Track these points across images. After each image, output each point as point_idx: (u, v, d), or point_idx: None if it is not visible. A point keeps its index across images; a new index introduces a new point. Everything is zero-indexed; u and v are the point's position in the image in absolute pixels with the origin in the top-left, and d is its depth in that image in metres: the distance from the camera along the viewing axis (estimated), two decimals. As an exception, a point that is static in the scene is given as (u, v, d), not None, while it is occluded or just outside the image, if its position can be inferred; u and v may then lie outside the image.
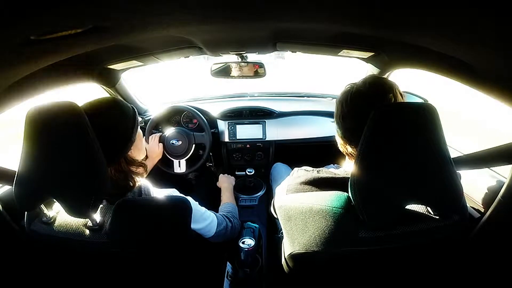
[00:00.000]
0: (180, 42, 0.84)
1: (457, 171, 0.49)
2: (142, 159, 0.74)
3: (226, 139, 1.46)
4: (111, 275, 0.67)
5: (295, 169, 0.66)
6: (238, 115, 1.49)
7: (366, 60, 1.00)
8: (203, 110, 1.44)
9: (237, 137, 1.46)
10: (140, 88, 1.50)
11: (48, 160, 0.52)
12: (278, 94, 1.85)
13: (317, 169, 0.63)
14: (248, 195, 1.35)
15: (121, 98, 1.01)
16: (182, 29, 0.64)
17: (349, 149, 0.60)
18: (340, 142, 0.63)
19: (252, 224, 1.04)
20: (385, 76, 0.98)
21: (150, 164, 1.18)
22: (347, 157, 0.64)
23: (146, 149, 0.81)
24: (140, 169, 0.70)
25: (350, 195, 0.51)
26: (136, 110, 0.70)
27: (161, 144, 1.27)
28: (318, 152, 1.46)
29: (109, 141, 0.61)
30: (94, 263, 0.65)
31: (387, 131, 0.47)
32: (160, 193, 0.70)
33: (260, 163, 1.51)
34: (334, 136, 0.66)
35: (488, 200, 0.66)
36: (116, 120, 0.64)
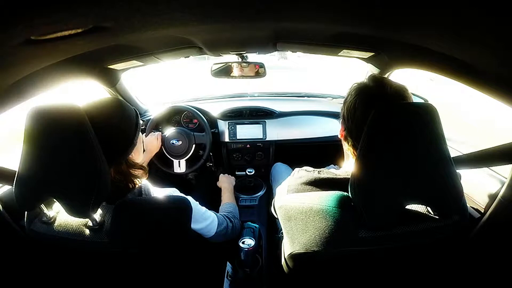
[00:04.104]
0: (180, 42, 0.84)
1: (457, 171, 0.49)
2: (142, 162, 0.74)
3: (226, 139, 1.46)
4: (112, 275, 0.67)
5: (296, 169, 0.66)
6: (238, 115, 1.49)
7: (366, 60, 1.00)
8: (203, 110, 1.44)
9: (237, 137, 1.46)
10: (140, 88, 1.50)
11: (48, 160, 0.52)
12: (278, 94, 1.85)
13: (318, 169, 0.63)
14: (248, 195, 1.35)
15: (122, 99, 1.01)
16: (182, 29, 0.64)
17: (352, 148, 0.60)
18: (342, 138, 0.63)
19: (252, 224, 1.04)
20: (385, 76, 0.98)
21: (148, 157, 1.18)
22: (348, 156, 0.64)
23: (143, 143, 0.80)
24: (140, 172, 0.70)
25: (350, 195, 0.51)
26: (138, 112, 0.70)
27: (159, 138, 1.26)
28: (318, 152, 1.46)
29: (111, 142, 0.61)
30: (94, 263, 0.65)
31: (387, 131, 0.47)
32: (160, 193, 0.70)
33: (260, 163, 1.51)
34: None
35: (488, 200, 0.66)
36: (119, 121, 0.64)
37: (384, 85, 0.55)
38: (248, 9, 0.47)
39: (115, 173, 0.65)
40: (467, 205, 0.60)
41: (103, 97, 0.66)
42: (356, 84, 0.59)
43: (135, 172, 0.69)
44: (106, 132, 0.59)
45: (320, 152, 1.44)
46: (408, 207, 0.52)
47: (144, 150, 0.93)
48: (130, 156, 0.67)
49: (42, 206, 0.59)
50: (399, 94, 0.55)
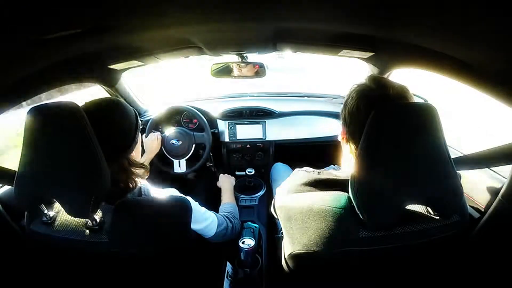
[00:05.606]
0: (180, 42, 0.84)
1: (457, 171, 0.49)
2: (143, 162, 0.74)
3: (226, 139, 1.46)
4: (111, 275, 0.67)
5: (296, 169, 0.65)
6: (238, 115, 1.49)
7: (366, 60, 1.00)
8: (203, 110, 1.44)
9: (237, 137, 1.46)
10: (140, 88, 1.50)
11: (48, 160, 0.52)
12: (278, 94, 1.85)
13: (318, 170, 0.63)
14: (248, 195, 1.35)
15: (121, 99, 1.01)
16: (182, 29, 0.64)
17: (353, 148, 0.59)
18: (343, 141, 0.62)
19: (252, 224, 1.03)
20: (385, 76, 0.98)
21: (148, 158, 1.18)
22: (348, 158, 0.64)
23: (143, 143, 0.80)
24: (141, 170, 0.70)
25: (350, 195, 0.51)
26: (137, 112, 0.70)
27: (159, 138, 1.26)
28: (318, 152, 1.46)
29: (113, 141, 0.61)
30: (94, 263, 0.65)
31: (387, 131, 0.47)
32: (160, 193, 0.70)
33: (260, 163, 1.51)
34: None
35: (488, 200, 0.66)
36: (120, 120, 0.64)
37: (386, 87, 0.54)
38: (248, 9, 0.47)
39: (117, 172, 0.65)
40: (467, 205, 0.60)
41: (102, 97, 0.66)
42: (356, 86, 0.57)
43: (137, 170, 0.69)
44: (107, 131, 0.59)
45: (320, 152, 1.44)
46: (408, 207, 0.52)
47: (144, 151, 0.93)
48: (131, 154, 0.67)
49: (42, 206, 0.59)
50: (401, 95, 0.54)
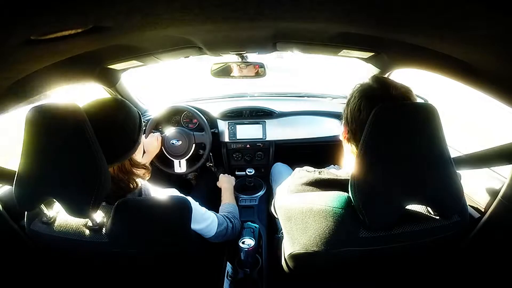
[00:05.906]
0: (180, 42, 0.84)
1: (457, 171, 0.49)
2: (144, 162, 0.74)
3: (226, 139, 1.46)
4: (111, 275, 0.67)
5: (297, 169, 0.65)
6: (238, 115, 1.49)
7: (366, 60, 1.00)
8: (203, 110, 1.44)
9: (237, 137, 1.46)
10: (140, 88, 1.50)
11: (48, 160, 0.52)
12: (278, 94, 1.85)
13: (319, 170, 0.63)
14: (248, 195, 1.35)
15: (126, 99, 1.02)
16: (182, 29, 0.64)
17: (354, 148, 0.59)
18: (344, 140, 0.62)
19: (252, 224, 1.04)
20: (385, 76, 0.98)
21: (148, 158, 1.18)
22: (349, 158, 0.64)
23: (143, 144, 0.80)
24: (143, 171, 0.70)
25: (350, 195, 0.51)
26: (140, 113, 0.70)
27: (159, 139, 1.26)
28: (318, 152, 1.46)
29: (115, 142, 0.61)
30: (94, 263, 0.65)
31: (388, 131, 0.47)
32: (160, 193, 0.70)
33: (260, 163, 1.51)
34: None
35: (488, 200, 0.66)
36: (124, 120, 0.63)
37: (389, 87, 0.54)
38: (248, 9, 0.47)
39: (118, 172, 0.65)
40: (467, 205, 0.60)
41: (106, 97, 0.66)
42: (359, 86, 0.58)
43: (138, 171, 0.69)
44: (109, 131, 0.59)
45: (320, 152, 1.44)
46: (408, 207, 0.52)
47: (144, 152, 0.93)
48: (133, 155, 0.67)
49: (42, 206, 0.59)
50: (404, 95, 0.54)
